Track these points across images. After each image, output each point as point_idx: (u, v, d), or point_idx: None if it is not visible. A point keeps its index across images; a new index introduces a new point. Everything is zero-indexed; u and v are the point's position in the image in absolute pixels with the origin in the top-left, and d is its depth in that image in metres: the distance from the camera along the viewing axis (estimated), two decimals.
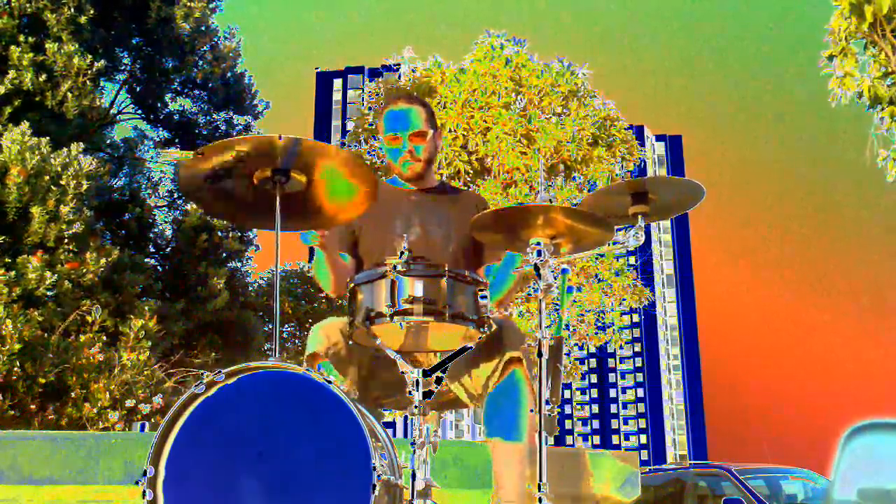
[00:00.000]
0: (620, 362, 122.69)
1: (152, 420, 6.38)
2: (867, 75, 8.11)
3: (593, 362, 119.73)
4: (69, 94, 8.27)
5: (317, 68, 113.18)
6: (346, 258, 2.72)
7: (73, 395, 6.42)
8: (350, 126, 16.86)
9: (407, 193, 2.78)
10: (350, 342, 2.14)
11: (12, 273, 6.53)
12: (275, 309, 2.14)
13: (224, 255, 9.87)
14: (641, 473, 3.45)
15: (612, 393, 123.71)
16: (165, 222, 10.42)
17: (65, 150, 7.26)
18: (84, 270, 7.04)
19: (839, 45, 8.10)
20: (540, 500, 2.07)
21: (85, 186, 7.22)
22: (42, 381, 6.29)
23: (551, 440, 2.13)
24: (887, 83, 8.07)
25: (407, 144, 2.70)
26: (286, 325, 11.38)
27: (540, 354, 2.16)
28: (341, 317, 2.44)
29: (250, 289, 10.71)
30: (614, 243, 2.33)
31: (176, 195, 10.47)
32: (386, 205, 2.66)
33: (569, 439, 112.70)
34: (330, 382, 1.86)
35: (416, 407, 2.01)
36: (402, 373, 2.05)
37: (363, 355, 2.40)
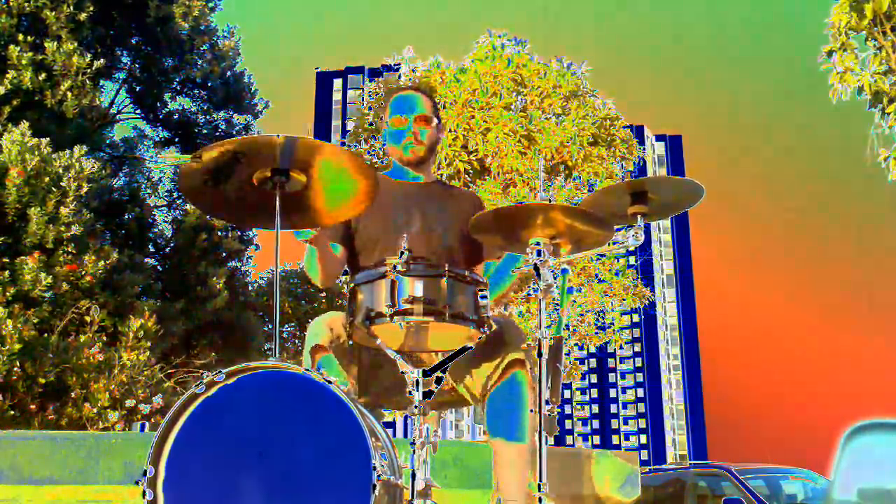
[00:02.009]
0: (620, 362, 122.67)
1: (152, 420, 6.38)
2: (867, 71, 8.10)
3: (593, 362, 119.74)
4: (69, 94, 8.27)
5: (317, 68, 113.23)
6: (337, 249, 2.70)
7: (73, 395, 6.42)
8: (350, 126, 16.85)
9: (406, 185, 2.79)
10: (351, 342, 2.14)
11: (6, 273, 6.54)
12: (275, 309, 2.14)
13: (224, 254, 9.86)
14: (641, 473, 3.45)
15: (612, 393, 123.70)
16: (165, 222, 10.43)
17: (67, 151, 7.26)
18: (83, 273, 7.04)
19: (839, 40, 8.09)
20: (540, 500, 2.07)
21: (85, 188, 7.22)
22: (42, 381, 6.29)
23: (551, 440, 2.13)
24: (889, 81, 8.06)
25: (412, 126, 2.73)
26: (286, 325, 11.38)
27: (540, 354, 2.15)
28: (341, 311, 2.43)
29: (250, 289, 10.71)
30: (614, 243, 2.33)
31: (176, 195, 10.47)
32: (385, 196, 2.66)
33: (569, 439, 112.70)
34: (330, 382, 1.86)
35: (416, 407, 2.01)
36: (402, 373, 2.05)
37: (365, 351, 2.40)
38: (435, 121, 2.78)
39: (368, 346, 2.13)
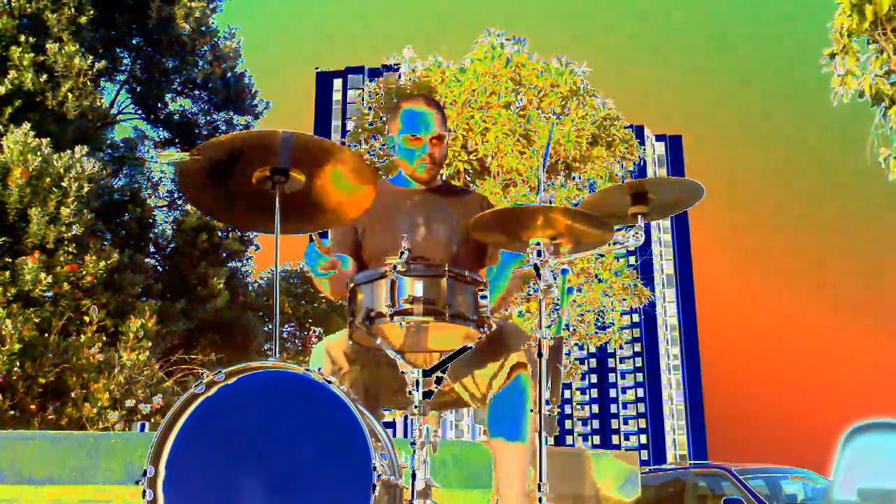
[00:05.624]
0: (620, 362, 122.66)
1: (152, 420, 6.38)
2: (869, 73, 8.09)
3: (593, 362, 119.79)
4: (70, 95, 8.27)
5: (317, 68, 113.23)
6: (346, 262, 2.66)
7: (73, 395, 6.42)
8: (350, 126, 16.86)
9: (411, 193, 2.75)
10: (351, 342, 2.13)
11: (7, 273, 6.54)
12: (275, 309, 2.14)
13: (224, 255, 9.87)
14: (641, 473, 3.45)
15: (612, 393, 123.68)
16: (165, 222, 10.41)
17: (68, 151, 7.26)
18: (83, 273, 7.04)
19: (840, 43, 8.08)
20: (540, 500, 2.07)
21: (86, 189, 7.22)
22: (42, 381, 6.30)
23: (551, 440, 2.13)
24: (889, 81, 8.05)
25: (427, 147, 2.68)
26: (286, 325, 11.38)
27: (540, 354, 2.16)
28: (342, 332, 2.39)
29: (250, 289, 10.71)
30: (614, 243, 2.33)
31: (176, 195, 10.47)
32: (390, 206, 2.64)
33: (569, 439, 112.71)
34: (330, 382, 1.86)
35: (416, 407, 2.01)
36: (402, 373, 2.05)
37: (364, 368, 2.38)
38: (447, 136, 2.75)
39: (368, 346, 2.13)
